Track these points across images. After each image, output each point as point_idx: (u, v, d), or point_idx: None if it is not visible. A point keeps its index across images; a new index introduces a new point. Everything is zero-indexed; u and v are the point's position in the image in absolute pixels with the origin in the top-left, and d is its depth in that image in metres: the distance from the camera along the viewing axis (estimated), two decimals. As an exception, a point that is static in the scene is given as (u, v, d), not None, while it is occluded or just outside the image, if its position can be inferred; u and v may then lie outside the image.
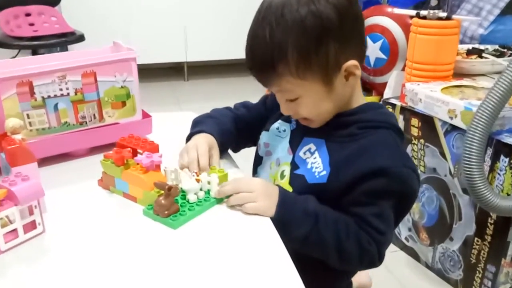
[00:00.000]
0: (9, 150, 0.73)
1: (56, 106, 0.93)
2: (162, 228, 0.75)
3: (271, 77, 0.76)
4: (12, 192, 0.67)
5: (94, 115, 0.98)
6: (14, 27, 2.75)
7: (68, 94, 0.93)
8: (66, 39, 2.80)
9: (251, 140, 0.99)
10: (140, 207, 0.80)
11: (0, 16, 2.72)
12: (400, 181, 0.75)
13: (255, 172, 0.98)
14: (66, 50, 2.97)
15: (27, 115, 0.90)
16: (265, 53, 0.75)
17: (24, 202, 0.67)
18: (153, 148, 0.84)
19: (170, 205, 0.75)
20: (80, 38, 2.82)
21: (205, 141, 0.88)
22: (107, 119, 1.00)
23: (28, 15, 2.85)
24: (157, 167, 0.82)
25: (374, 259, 0.77)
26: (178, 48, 3.55)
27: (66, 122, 0.95)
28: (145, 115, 1.05)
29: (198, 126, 0.95)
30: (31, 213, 0.71)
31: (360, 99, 0.84)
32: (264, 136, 0.95)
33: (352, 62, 0.76)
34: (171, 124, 1.18)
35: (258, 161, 0.97)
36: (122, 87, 0.99)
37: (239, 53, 3.39)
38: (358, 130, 0.79)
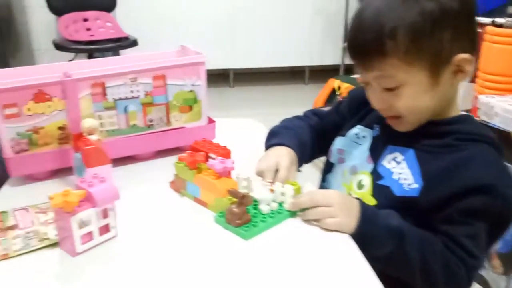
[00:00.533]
0: (86, 151, 0.72)
1: (126, 108, 0.93)
2: (232, 237, 0.72)
3: (375, 58, 0.70)
4: (90, 193, 0.66)
5: (161, 118, 0.97)
6: (72, 31, 2.84)
7: (138, 96, 0.93)
8: (120, 43, 2.86)
9: (325, 149, 0.95)
10: (211, 213, 0.78)
11: (60, 21, 2.82)
12: (503, 202, 0.69)
13: (324, 180, 0.94)
14: (118, 54, 3.04)
15: (99, 116, 0.90)
16: (373, 30, 0.69)
17: (102, 204, 0.66)
18: (226, 153, 0.82)
19: (242, 214, 0.73)
20: (133, 43, 2.88)
21: (288, 156, 0.85)
22: (174, 123, 0.99)
23: (85, 20, 2.94)
24: (229, 173, 0.79)
25: (462, 284, 0.71)
26: (225, 55, 3.57)
27: (135, 124, 0.95)
28: (210, 120, 1.04)
29: (276, 137, 0.91)
30: (105, 216, 0.70)
31: (457, 108, 0.78)
32: (338, 142, 0.91)
33: (465, 56, 0.69)
34: (232, 130, 1.16)
35: (328, 168, 0.92)
36: (190, 91, 0.98)
37: (284, 61, 3.41)
38: (456, 142, 0.73)
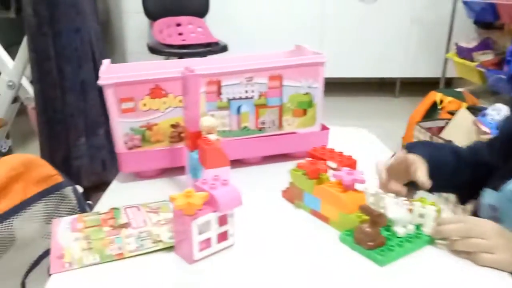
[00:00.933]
0: (206, 150, 0.68)
1: (239, 109, 0.88)
2: (362, 261, 0.63)
3: None
4: (213, 196, 0.61)
5: (274, 121, 0.91)
6: (166, 35, 2.91)
7: (252, 97, 0.88)
8: (211, 48, 2.89)
9: (466, 187, 0.79)
10: (333, 230, 0.70)
11: (155, 26, 2.90)
12: None
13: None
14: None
15: (212, 116, 0.86)
16: None
17: (224, 209, 0.61)
18: (351, 163, 0.74)
19: (376, 236, 0.64)
20: (224, 48, 2.90)
21: (421, 162, 0.72)
22: (286, 127, 0.92)
23: (178, 25, 3.00)
24: (351, 186, 0.71)
25: None
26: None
27: (246, 127, 0.90)
28: (323, 127, 0.96)
29: (409, 149, 0.78)
30: (223, 222, 0.64)
31: None
32: (489, 196, 0.73)
33: None
34: (341, 139, 1.07)
35: None
36: (306, 93, 0.91)
37: (374, 72, 3.21)
38: None
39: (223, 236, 0.65)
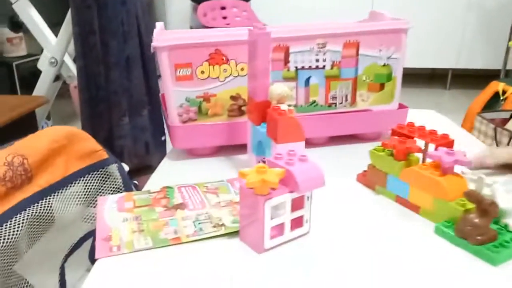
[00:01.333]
0: (279, 122, 0.57)
1: (308, 80, 0.77)
2: (466, 258, 0.51)
3: None
4: (291, 173, 0.50)
5: (346, 96, 0.79)
6: (210, 19, 2.82)
7: (323, 67, 0.76)
8: (255, 33, 2.78)
9: None
10: (425, 221, 0.58)
11: (199, 8, 2.82)
12: None
13: None
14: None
15: (277, 87, 0.75)
16: None
17: (304, 189, 0.50)
18: (448, 143, 0.62)
19: (486, 229, 0.52)
20: (269, 33, 2.78)
21: None
22: (359, 104, 0.80)
23: (222, 8, 2.91)
24: (451, 169, 0.59)
25: None
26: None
27: (314, 101, 0.78)
28: (401, 105, 0.84)
29: None
30: (299, 205, 0.53)
31: None
32: None
33: None
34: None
35: None
36: (384, 65, 0.79)
37: (424, 62, 2.97)
38: None
39: (297, 222, 0.54)
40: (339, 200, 0.64)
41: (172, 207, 0.61)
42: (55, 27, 1.79)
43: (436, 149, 0.60)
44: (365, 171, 0.69)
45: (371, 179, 0.66)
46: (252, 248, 0.52)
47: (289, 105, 0.69)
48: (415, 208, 0.60)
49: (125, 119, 1.51)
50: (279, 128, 0.57)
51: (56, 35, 1.75)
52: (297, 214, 0.53)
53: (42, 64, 1.78)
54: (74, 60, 1.69)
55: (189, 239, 0.54)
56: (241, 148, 0.81)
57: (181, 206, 0.62)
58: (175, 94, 0.73)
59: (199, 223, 0.57)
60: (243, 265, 0.50)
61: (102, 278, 0.48)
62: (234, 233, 0.55)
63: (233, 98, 0.75)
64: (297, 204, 0.53)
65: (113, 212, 0.61)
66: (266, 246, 0.52)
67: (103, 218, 0.59)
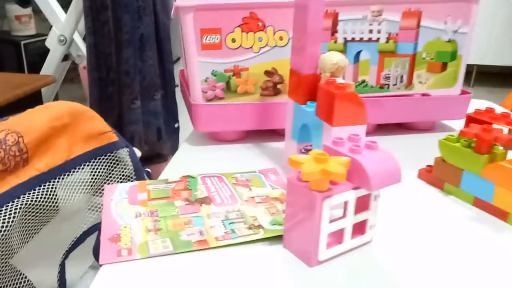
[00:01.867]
0: (336, 98, 0.44)
1: (358, 55, 0.64)
2: None
3: None
4: (358, 164, 0.38)
5: (401, 77, 0.67)
6: None
7: (377, 39, 0.64)
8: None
9: None
10: (517, 231, 0.46)
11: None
12: None
13: None
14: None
15: (321, 62, 0.63)
16: None
17: (377, 184, 0.38)
18: (545, 133, 0.49)
19: None
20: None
21: None
22: (416, 86, 0.68)
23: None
24: (549, 167, 0.46)
25: None
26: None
27: (364, 81, 0.66)
28: (463, 91, 0.71)
29: None
30: (363, 207, 0.41)
31: None
32: None
33: None
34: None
35: None
36: (449, 41, 0.66)
37: None
38: None
39: (359, 228, 0.42)
40: (399, 202, 0.52)
41: (196, 201, 0.50)
42: (66, 7, 1.68)
43: None
44: (429, 166, 0.57)
45: (439, 175, 0.54)
46: (301, 259, 0.40)
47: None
48: (501, 215, 0.48)
49: (137, 103, 1.39)
50: (336, 106, 0.44)
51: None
52: (361, 217, 0.41)
53: (51, 42, 1.66)
54: (84, 39, 1.57)
55: (218, 244, 0.42)
56: (274, 134, 0.69)
57: (206, 200, 0.50)
58: (199, 66, 0.61)
59: (231, 223, 0.45)
60: (289, 282, 0.38)
61: (106, 293, 0.37)
62: (275, 239, 0.43)
63: (268, 73, 0.63)
64: (360, 204, 0.41)
65: (123, 205, 0.49)
66: (321, 258, 0.39)
67: (110, 212, 0.47)
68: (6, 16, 2.33)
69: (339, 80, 0.48)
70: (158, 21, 1.42)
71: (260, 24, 0.60)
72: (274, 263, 0.40)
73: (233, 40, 0.60)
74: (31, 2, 1.75)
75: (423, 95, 0.68)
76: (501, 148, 0.50)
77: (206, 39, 0.59)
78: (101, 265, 0.40)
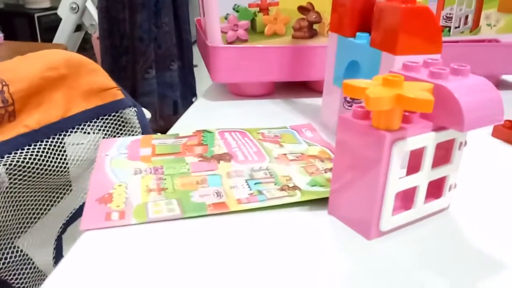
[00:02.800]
0: (406, 14, 0.33)
1: (413, -12, 0.52)
2: None
3: None
4: (449, 93, 0.26)
5: (466, 17, 0.54)
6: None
7: (439, -31, 0.51)
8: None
9: None
10: None
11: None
12: None
13: None
14: None
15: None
16: None
17: (472, 122, 0.26)
18: None
19: None
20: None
21: None
22: (483, 30, 0.55)
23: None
24: None
25: None
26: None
27: (419, 22, 0.53)
28: (539, 37, 0.58)
29: None
30: (443, 159, 0.30)
31: None
32: None
33: None
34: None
35: None
36: (528, -28, 0.53)
37: None
38: None
39: (434, 189, 0.31)
40: (473, 164, 0.40)
41: (212, 157, 0.39)
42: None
43: None
44: (508, 121, 0.45)
45: (524, 131, 0.42)
46: (355, 230, 0.29)
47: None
48: None
49: (152, 72, 1.29)
50: (402, 27, 0.33)
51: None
52: (440, 173, 0.30)
53: (63, 10, 1.57)
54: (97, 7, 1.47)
55: (241, 207, 0.31)
56: (308, 90, 0.57)
57: (225, 157, 0.39)
58: (219, -1, 0.50)
59: (257, 183, 0.34)
60: (339, 261, 0.27)
61: (86, 262, 0.26)
62: (317, 203, 0.32)
63: (302, 9, 0.51)
64: (439, 155, 0.30)
65: (121, 160, 0.39)
66: (384, 228, 0.28)
67: (103, 169, 0.37)
68: (21, -11, 2.25)
69: (402, -1, 0.36)
70: (175, -15, 1.31)
71: None
72: (318, 234, 0.29)
73: (261, -34, 0.49)
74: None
75: (491, 41, 0.56)
76: None
77: (227, -36, 0.48)
78: (84, 231, 0.29)
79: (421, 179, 0.29)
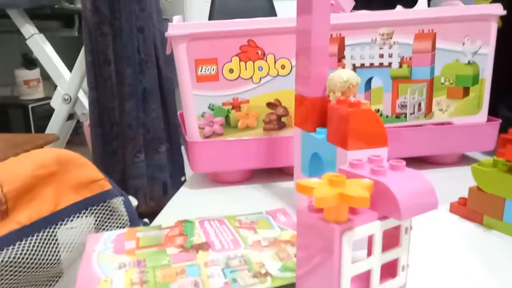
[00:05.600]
0: (353, 117, 0.38)
1: (369, 82, 0.59)
2: None
3: None
4: (384, 187, 0.31)
5: (419, 104, 0.61)
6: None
7: (389, 64, 0.58)
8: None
9: None
10: None
11: None
12: None
13: None
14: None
15: (330, 90, 0.57)
16: None
17: (408, 212, 0.30)
18: None
19: None
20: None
21: None
22: (436, 115, 0.62)
23: None
24: None
25: None
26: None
27: (378, 110, 0.60)
28: (489, 118, 0.65)
29: None
30: (392, 243, 0.34)
31: None
32: None
33: None
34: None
35: None
36: (469, 63, 0.60)
37: None
38: None
39: (389, 270, 0.34)
40: (432, 240, 0.44)
41: (191, 247, 0.42)
42: (71, 67, 1.68)
43: None
44: (462, 198, 0.49)
45: (476, 208, 0.46)
46: (318, 312, 0.32)
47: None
48: (558, 249, 0.40)
49: (141, 156, 1.34)
50: (351, 126, 0.38)
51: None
52: (391, 256, 0.33)
53: (55, 101, 1.65)
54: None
55: (217, 297, 0.34)
56: (282, 174, 0.62)
57: (204, 246, 0.42)
58: (195, 100, 0.56)
59: (232, 272, 0.38)
60: None
61: None
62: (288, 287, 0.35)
63: (270, 105, 0.57)
64: (388, 240, 0.34)
65: (107, 255, 0.42)
66: (343, 309, 0.31)
67: (90, 264, 0.40)
68: (16, 82, 2.36)
69: (352, 99, 0.42)
70: (161, 75, 1.40)
71: (259, 52, 0.55)
72: (286, 318, 0.32)
73: (231, 71, 0.55)
74: (36, 63, 1.76)
75: (445, 124, 0.62)
76: (547, 171, 0.42)
77: (201, 70, 0.54)
78: (71, 328, 0.32)
79: (374, 263, 0.32)
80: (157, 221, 0.51)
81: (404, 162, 0.33)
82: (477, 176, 0.45)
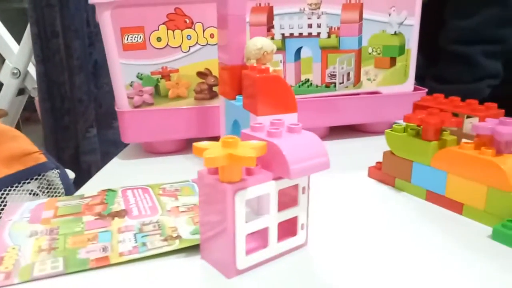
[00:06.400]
0: (259, 83, 0.39)
1: (298, 52, 0.59)
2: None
3: None
4: (276, 149, 0.32)
5: (348, 74, 0.62)
6: None
7: (318, 34, 0.59)
8: None
9: None
10: (474, 225, 0.40)
11: None
12: None
13: None
14: None
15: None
16: None
17: (297, 172, 0.31)
18: (497, 114, 0.44)
19: None
20: None
21: None
22: (365, 84, 0.63)
23: None
24: (510, 146, 0.41)
25: None
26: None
27: (308, 80, 0.61)
28: (416, 88, 0.67)
29: None
30: (290, 202, 0.35)
31: None
32: None
33: None
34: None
35: None
36: (395, 33, 0.62)
37: None
38: None
39: (288, 228, 0.36)
40: (347, 201, 0.46)
41: (108, 215, 0.43)
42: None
43: (480, 121, 0.42)
44: (378, 162, 0.51)
45: (388, 171, 0.48)
46: (218, 270, 0.34)
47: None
48: (456, 207, 0.42)
49: (92, 131, 1.32)
50: (259, 93, 0.39)
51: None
52: (288, 214, 0.35)
53: (4, 76, 1.60)
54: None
55: (122, 259, 0.35)
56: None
57: (121, 213, 0.43)
58: (122, 69, 0.55)
59: (143, 236, 0.38)
60: (203, 298, 0.31)
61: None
62: (194, 250, 0.37)
63: (201, 74, 0.57)
64: (287, 200, 0.35)
65: (21, 224, 0.42)
66: (240, 267, 0.33)
67: (1, 233, 0.40)
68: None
69: (268, 67, 0.42)
70: (112, 47, 1.37)
71: (187, 20, 0.55)
72: (189, 277, 0.33)
73: (159, 39, 0.55)
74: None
75: (373, 93, 0.63)
76: (452, 136, 0.45)
77: (127, 38, 0.54)
78: (-28, 293, 0.32)
79: (270, 221, 0.34)
80: (82, 190, 0.51)
81: (300, 125, 0.34)
82: (389, 140, 0.47)
